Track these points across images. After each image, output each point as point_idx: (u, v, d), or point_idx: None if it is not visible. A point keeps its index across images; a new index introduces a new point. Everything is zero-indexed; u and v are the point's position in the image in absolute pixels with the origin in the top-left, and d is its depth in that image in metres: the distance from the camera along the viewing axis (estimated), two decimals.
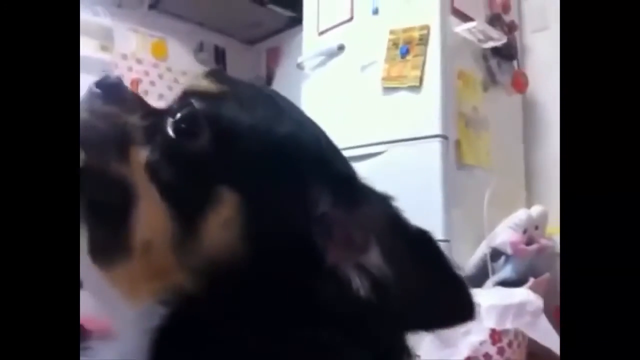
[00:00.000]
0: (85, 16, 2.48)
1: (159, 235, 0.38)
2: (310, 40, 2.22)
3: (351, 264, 0.36)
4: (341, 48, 2.02)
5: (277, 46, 3.14)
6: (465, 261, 1.61)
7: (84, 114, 0.41)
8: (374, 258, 0.36)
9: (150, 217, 0.39)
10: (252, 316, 0.36)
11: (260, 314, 0.36)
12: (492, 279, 1.60)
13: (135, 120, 0.43)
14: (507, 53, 1.98)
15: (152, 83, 2.87)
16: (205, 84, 0.43)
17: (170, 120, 0.41)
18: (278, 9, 2.78)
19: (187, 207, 0.38)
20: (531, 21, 2.16)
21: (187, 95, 0.42)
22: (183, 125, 0.40)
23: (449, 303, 0.37)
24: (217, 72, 0.47)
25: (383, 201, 0.38)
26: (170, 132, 0.40)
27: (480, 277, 1.61)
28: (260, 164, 0.39)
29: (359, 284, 0.35)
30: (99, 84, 0.45)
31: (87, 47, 2.43)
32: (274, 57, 3.15)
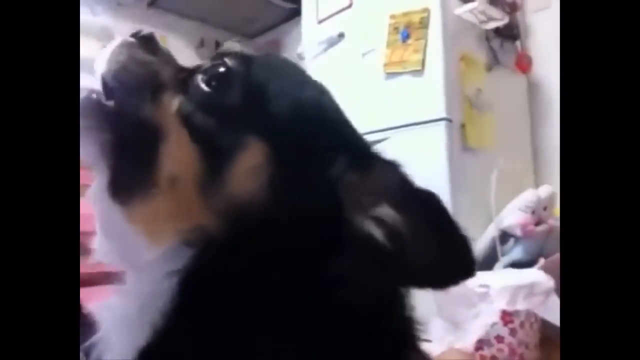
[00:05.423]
0: (85, 17, 2.48)
1: (185, 172, 0.40)
2: (309, 29, 2.20)
3: (366, 217, 0.38)
4: (341, 36, 2.01)
5: (276, 39, 3.14)
6: (474, 244, 1.60)
7: (121, 58, 0.44)
8: (387, 210, 0.37)
9: (178, 154, 0.41)
10: (274, 259, 0.37)
11: (280, 257, 0.37)
12: (502, 261, 1.59)
13: (168, 71, 0.46)
14: (510, 33, 1.96)
15: None
16: (239, 47, 0.47)
17: (201, 76, 0.44)
18: (277, 2, 2.77)
19: (216, 150, 0.40)
20: (532, 0, 2.13)
21: (220, 56, 0.45)
22: (216, 81, 0.43)
23: (453, 259, 0.38)
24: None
25: (393, 166, 0.40)
26: (202, 85, 0.43)
27: (490, 259, 1.60)
28: (288, 122, 0.42)
29: (375, 232, 0.37)
30: (135, 35, 0.47)
31: (88, 48, 2.42)
32: (274, 50, 3.14)
